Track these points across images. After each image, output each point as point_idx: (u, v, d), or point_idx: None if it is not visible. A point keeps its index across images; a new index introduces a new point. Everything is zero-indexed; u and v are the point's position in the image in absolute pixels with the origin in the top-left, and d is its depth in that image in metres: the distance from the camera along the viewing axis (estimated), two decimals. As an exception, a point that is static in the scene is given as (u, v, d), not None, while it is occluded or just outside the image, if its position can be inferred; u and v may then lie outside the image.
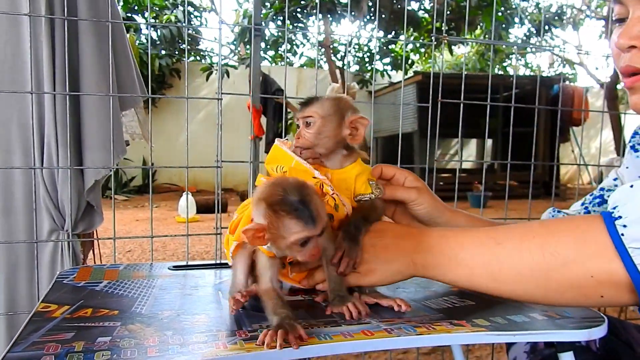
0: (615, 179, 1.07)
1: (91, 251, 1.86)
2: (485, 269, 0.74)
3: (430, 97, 1.54)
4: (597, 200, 1.07)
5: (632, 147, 1.05)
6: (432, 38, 1.65)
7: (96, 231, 1.58)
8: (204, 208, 6.58)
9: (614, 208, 0.65)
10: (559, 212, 1.10)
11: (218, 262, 1.20)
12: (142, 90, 1.60)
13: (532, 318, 0.86)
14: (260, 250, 0.83)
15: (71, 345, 0.68)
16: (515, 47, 10.58)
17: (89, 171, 1.40)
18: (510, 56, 12.94)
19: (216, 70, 9.48)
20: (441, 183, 9.48)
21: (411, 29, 9.15)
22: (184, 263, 1.18)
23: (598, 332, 0.82)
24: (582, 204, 1.09)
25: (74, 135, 1.40)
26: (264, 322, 0.79)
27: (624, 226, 0.63)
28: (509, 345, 1.22)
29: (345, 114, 0.93)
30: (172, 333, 0.74)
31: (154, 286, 0.99)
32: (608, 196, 1.07)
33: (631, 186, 0.66)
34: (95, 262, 2.18)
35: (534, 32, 10.80)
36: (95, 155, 1.39)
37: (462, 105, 1.53)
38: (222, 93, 1.29)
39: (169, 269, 1.13)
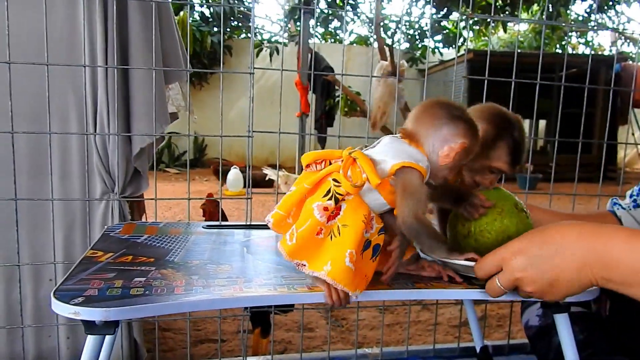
0: None
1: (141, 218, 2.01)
2: None
3: (453, 75, 1.57)
4: None
5: None
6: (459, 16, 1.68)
7: (143, 195, 1.73)
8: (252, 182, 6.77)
9: None
10: (620, 207, 1.07)
11: (247, 223, 1.30)
12: (185, 66, 1.71)
13: (529, 282, 0.91)
14: None
15: (112, 282, 0.80)
16: (570, 25, 10.14)
17: (136, 139, 1.53)
18: (570, 34, 12.39)
19: (266, 47, 9.61)
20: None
21: (463, 6, 8.94)
22: (217, 223, 1.29)
23: (585, 295, 0.87)
24: (631, 196, 1.05)
25: (124, 106, 1.53)
26: (278, 273, 0.89)
27: None
28: (523, 309, 1.29)
29: None
30: (198, 277, 0.86)
31: (187, 241, 1.11)
32: None
33: None
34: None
35: (596, 8, 10.30)
36: (141, 124, 1.52)
37: (485, 81, 1.56)
38: (254, 68, 1.40)
39: (202, 227, 1.25)
